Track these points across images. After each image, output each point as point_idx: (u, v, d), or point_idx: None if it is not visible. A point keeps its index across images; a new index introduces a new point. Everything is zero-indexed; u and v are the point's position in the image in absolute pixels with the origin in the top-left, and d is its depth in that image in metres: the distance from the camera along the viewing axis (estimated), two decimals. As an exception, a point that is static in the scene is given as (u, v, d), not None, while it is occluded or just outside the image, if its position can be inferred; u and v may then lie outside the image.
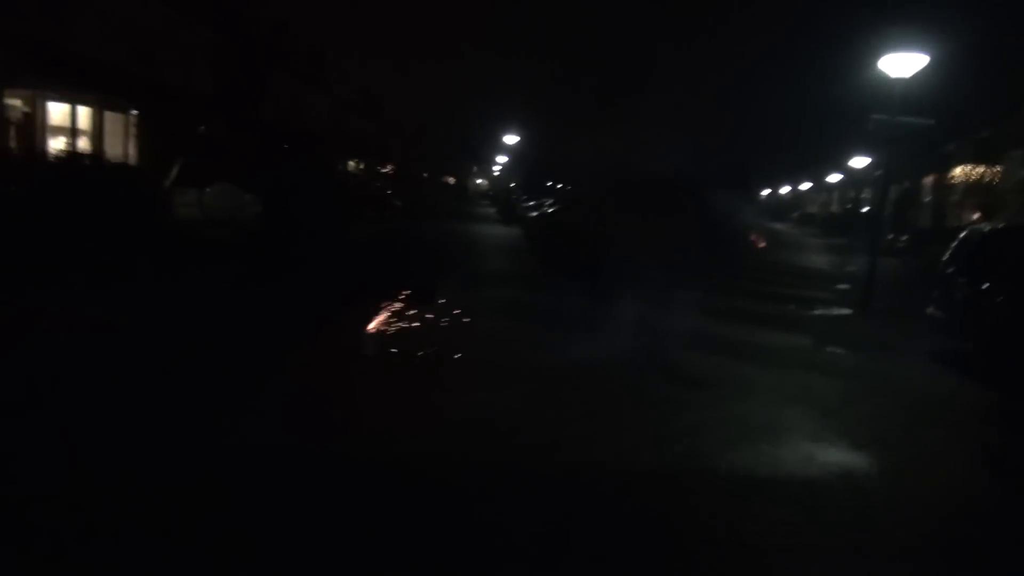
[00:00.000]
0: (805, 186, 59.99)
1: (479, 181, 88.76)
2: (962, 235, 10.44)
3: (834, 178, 48.07)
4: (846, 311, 13.59)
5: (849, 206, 43.21)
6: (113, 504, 3.67)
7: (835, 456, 5.18)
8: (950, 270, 9.92)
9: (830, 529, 4.02)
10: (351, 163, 38.91)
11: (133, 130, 18.57)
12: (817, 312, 13.41)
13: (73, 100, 16.56)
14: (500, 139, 47.89)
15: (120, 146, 18.17)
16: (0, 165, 13.32)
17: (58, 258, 10.37)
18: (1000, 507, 4.62)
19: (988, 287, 8.54)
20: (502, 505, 3.98)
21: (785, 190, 65.32)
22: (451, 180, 78.58)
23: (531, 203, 38.55)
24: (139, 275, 10.74)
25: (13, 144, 15.06)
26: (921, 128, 13.23)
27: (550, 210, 33.40)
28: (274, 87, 29.40)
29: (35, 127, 15.83)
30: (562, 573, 3.43)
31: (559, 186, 51.27)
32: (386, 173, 41.71)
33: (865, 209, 37.67)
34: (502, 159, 64.83)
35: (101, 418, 4.81)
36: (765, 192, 62.66)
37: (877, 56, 13.05)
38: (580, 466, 4.63)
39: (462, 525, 3.72)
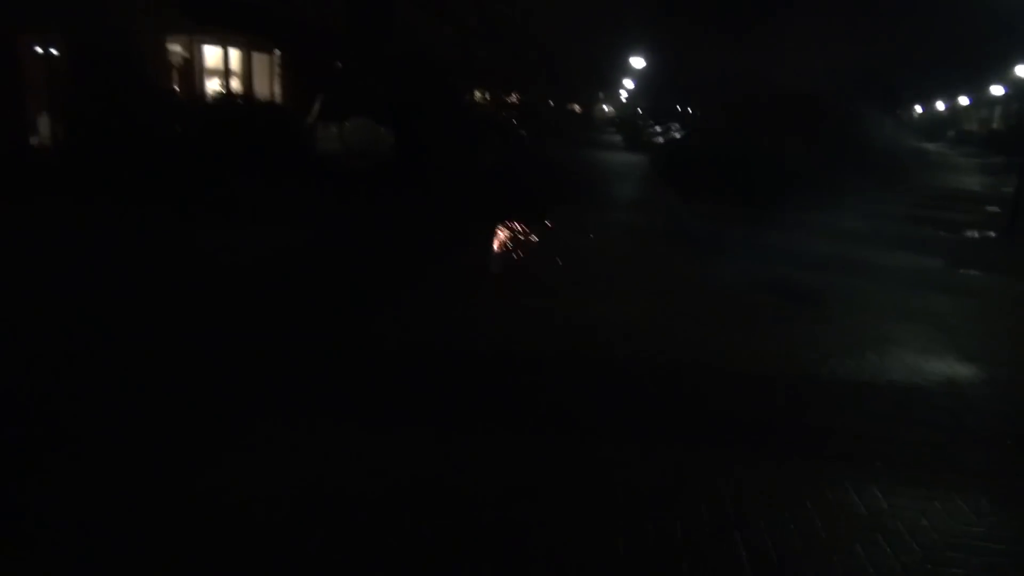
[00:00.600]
0: (963, 101, 55.33)
1: (606, 108, 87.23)
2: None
3: (997, 91, 44.11)
4: (991, 234, 13.04)
5: (1013, 122, 39.72)
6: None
7: (939, 366, 5.35)
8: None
9: (917, 424, 4.30)
10: (477, 93, 39.45)
11: (277, 69, 19.82)
12: (959, 235, 12.94)
13: (225, 43, 17.88)
14: (626, 64, 46.86)
15: (267, 86, 19.50)
16: (167, 106, 14.76)
17: (224, 188, 11.61)
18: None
19: None
20: (599, 387, 4.50)
21: (941, 106, 60.46)
22: (577, 108, 77.88)
23: (657, 129, 37.94)
24: (294, 204, 11.79)
25: (176, 87, 16.58)
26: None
27: (677, 136, 32.80)
28: (403, 19, 30.08)
29: (193, 70, 17.30)
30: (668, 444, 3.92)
31: (689, 111, 49.83)
32: (512, 102, 41.99)
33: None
34: (629, 85, 63.41)
35: (300, 316, 5.67)
36: (918, 109, 58.30)
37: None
38: (680, 364, 5.07)
39: (564, 405, 4.27)
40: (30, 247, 7.64)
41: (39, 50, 13.01)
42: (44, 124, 13.47)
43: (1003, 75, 39.14)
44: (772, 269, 8.25)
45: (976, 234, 13.26)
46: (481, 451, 3.66)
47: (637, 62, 44.44)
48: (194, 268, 7.20)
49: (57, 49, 13.29)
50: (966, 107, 56.10)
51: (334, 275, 7.18)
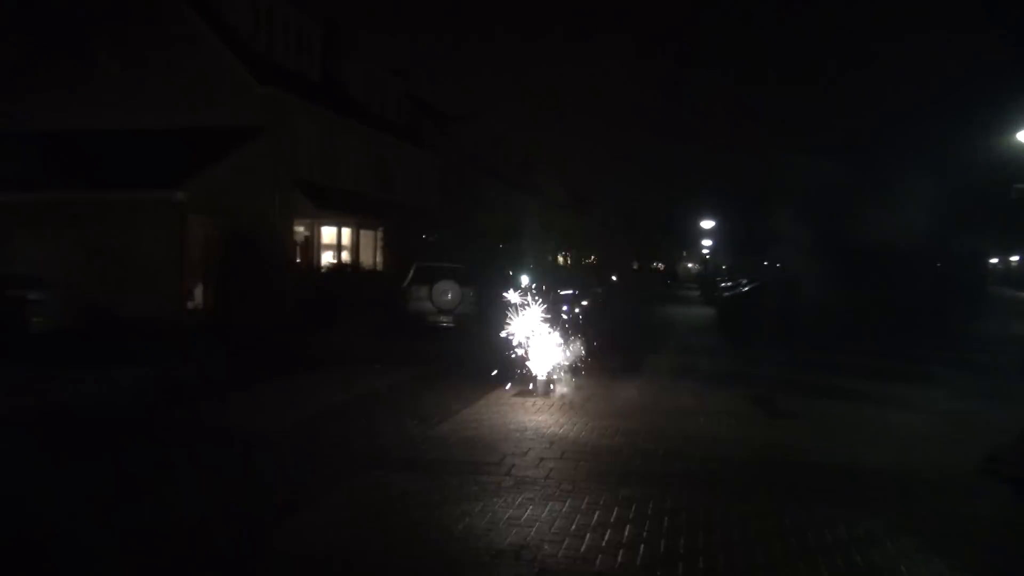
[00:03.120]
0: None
1: (689, 265, 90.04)
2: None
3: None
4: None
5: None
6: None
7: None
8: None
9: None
10: (560, 256, 42.92)
11: (380, 243, 23.41)
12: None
13: (339, 224, 21.62)
14: (700, 224, 49.84)
15: (371, 256, 23.03)
16: (292, 274, 18.18)
17: (336, 341, 14.40)
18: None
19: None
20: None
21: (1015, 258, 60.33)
22: (660, 266, 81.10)
23: (728, 284, 39.99)
24: (395, 351, 14.35)
25: (299, 259, 20.14)
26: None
27: (744, 289, 34.77)
28: (491, 195, 34.10)
29: (313, 246, 20.93)
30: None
31: (767, 264, 51.75)
32: (590, 263, 45.15)
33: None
34: (707, 243, 66.20)
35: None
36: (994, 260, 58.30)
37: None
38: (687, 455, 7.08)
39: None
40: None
41: (200, 230, 16.62)
42: (199, 291, 16.91)
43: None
44: (749, 390, 10.18)
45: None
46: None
47: (708, 223, 47.30)
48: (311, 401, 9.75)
49: (212, 230, 16.90)
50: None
51: (407, 401, 9.58)
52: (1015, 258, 57.33)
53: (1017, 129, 14.56)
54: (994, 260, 59.22)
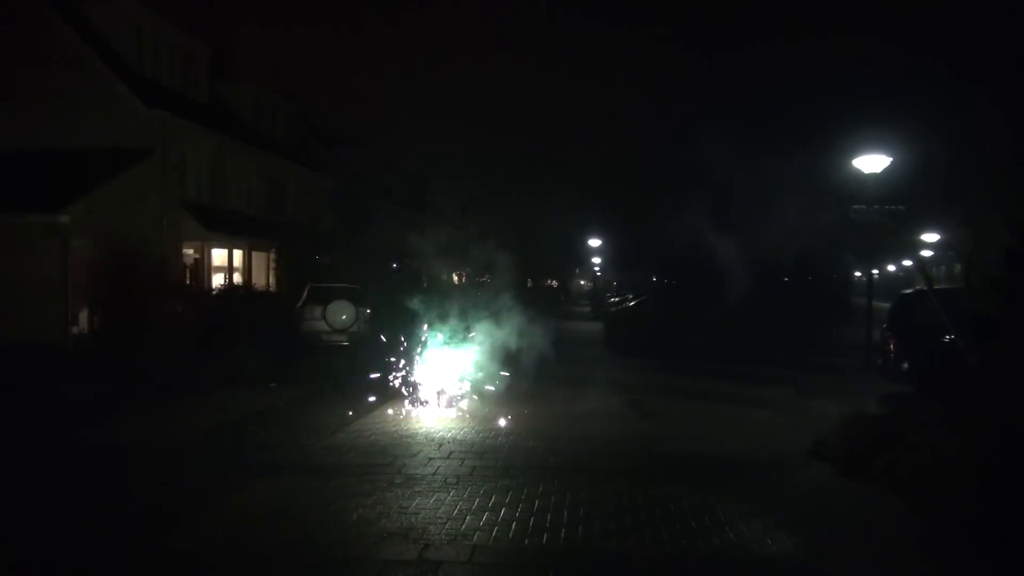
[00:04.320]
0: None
1: (581, 282, 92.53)
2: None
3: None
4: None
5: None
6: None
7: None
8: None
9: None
10: (454, 274, 43.67)
11: (272, 264, 23.41)
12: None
13: (229, 246, 21.53)
14: (587, 244, 51.62)
15: (263, 277, 22.98)
16: (179, 297, 18.07)
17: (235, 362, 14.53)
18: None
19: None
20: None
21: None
22: (553, 283, 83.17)
23: (616, 299, 41.80)
24: (289, 370, 14.62)
25: (188, 281, 19.95)
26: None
27: (631, 303, 36.51)
28: (383, 216, 34.44)
29: (203, 268, 20.78)
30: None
31: (655, 280, 54.19)
32: (484, 280, 46.03)
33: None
34: (598, 260, 68.54)
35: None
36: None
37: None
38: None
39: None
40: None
41: (85, 254, 16.31)
42: (83, 316, 16.59)
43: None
44: (624, 394, 11.20)
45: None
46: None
47: (595, 241, 49.15)
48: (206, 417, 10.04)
49: (96, 253, 16.60)
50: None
51: (301, 415, 10.04)
52: (875, 272, 62.66)
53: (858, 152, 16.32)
54: (858, 273, 64.04)
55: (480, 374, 12.30)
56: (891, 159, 15.85)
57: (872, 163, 15.94)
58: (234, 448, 8.22)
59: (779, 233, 26.87)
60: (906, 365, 11.44)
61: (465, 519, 5.69)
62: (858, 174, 16.32)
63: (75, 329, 16.28)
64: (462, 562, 4.90)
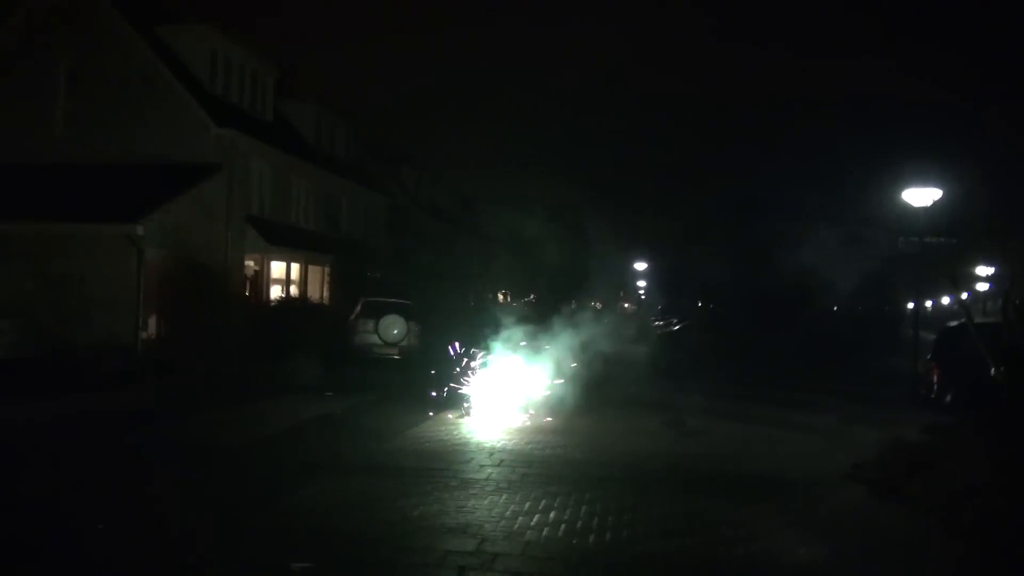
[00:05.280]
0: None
1: (626, 305, 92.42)
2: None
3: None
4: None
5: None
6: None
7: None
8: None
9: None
10: (500, 294, 44.28)
11: (327, 278, 24.28)
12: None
13: (288, 259, 22.45)
14: (632, 267, 51.83)
15: (318, 290, 23.85)
16: (241, 307, 18.95)
17: (292, 371, 15.25)
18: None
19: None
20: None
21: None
22: (598, 305, 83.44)
23: (660, 322, 41.91)
24: (343, 380, 15.22)
25: (248, 293, 20.86)
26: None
27: (675, 328, 36.68)
28: (432, 232, 35.27)
29: (262, 280, 21.69)
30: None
31: (700, 305, 54.13)
32: (529, 301, 46.54)
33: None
34: (643, 284, 68.56)
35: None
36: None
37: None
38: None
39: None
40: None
41: (154, 263, 17.28)
42: (152, 322, 17.54)
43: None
44: (666, 414, 11.50)
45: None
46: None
47: (641, 264, 49.33)
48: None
49: (167, 263, 17.57)
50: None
51: (360, 423, 10.61)
52: (928, 303, 61.46)
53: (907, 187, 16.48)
54: (910, 304, 63.07)
55: (531, 391, 12.81)
56: (941, 192, 16.01)
57: (922, 196, 16.12)
58: (301, 450, 8.83)
59: (828, 263, 26.87)
60: (949, 397, 11.59)
61: (517, 519, 6.14)
62: (907, 207, 16.49)
63: (143, 335, 17.20)
64: (516, 555, 5.35)
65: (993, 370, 9.10)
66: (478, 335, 12.95)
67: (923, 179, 16.01)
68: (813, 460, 9.08)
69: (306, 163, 23.86)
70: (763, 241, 29.51)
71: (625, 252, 54.89)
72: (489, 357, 11.83)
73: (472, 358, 11.84)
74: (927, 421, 11.67)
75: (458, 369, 11.73)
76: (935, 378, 12.11)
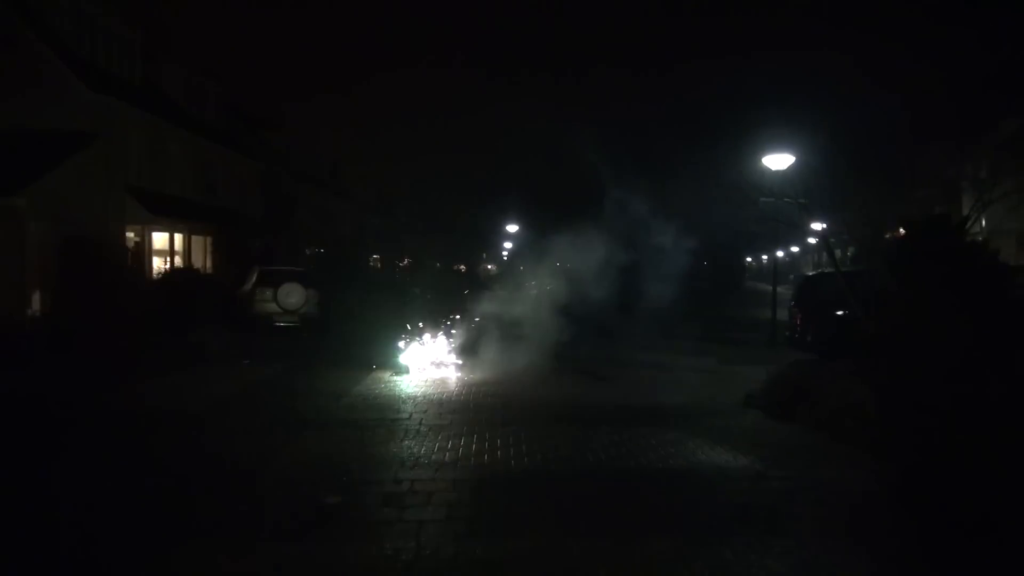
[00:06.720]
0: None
1: (489, 267, 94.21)
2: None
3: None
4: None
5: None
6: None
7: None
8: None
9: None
10: (373, 257, 44.44)
11: (210, 248, 23.80)
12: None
13: (170, 230, 21.86)
14: (504, 228, 53.14)
15: (201, 260, 23.38)
16: (130, 280, 18.47)
17: (195, 341, 15.24)
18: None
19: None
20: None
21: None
22: (462, 267, 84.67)
23: (533, 283, 43.59)
24: (251, 349, 15.40)
25: (132, 264, 20.22)
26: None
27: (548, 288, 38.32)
28: (305, 199, 34.86)
29: (144, 252, 21.03)
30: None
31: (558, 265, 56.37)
32: (402, 265, 46.99)
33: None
34: (508, 245, 70.35)
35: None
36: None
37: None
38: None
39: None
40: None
41: (36, 236, 16.53)
42: (36, 298, 16.82)
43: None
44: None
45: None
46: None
47: (512, 227, 50.71)
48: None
49: (49, 236, 16.84)
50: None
51: (299, 384, 11.16)
52: (764, 257, 67.41)
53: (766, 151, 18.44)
54: (748, 259, 68.64)
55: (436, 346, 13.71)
56: (794, 158, 18.08)
57: (779, 161, 18.15)
58: (259, 410, 9.31)
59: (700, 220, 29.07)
60: (809, 337, 13.56)
61: (457, 450, 7.30)
62: (765, 170, 18.50)
63: (29, 311, 16.50)
64: (465, 480, 6.42)
65: (846, 311, 10.93)
66: (387, 302, 13.68)
67: (780, 145, 18.02)
68: (710, 394, 10.62)
69: (180, 128, 23.15)
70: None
71: (494, 216, 56.19)
72: (412, 320, 12.66)
73: (400, 323, 12.64)
74: (793, 358, 13.70)
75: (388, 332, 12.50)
76: (798, 321, 14.07)
